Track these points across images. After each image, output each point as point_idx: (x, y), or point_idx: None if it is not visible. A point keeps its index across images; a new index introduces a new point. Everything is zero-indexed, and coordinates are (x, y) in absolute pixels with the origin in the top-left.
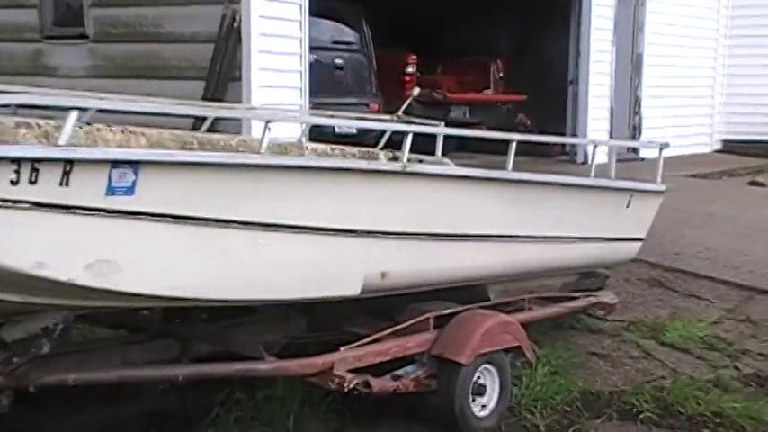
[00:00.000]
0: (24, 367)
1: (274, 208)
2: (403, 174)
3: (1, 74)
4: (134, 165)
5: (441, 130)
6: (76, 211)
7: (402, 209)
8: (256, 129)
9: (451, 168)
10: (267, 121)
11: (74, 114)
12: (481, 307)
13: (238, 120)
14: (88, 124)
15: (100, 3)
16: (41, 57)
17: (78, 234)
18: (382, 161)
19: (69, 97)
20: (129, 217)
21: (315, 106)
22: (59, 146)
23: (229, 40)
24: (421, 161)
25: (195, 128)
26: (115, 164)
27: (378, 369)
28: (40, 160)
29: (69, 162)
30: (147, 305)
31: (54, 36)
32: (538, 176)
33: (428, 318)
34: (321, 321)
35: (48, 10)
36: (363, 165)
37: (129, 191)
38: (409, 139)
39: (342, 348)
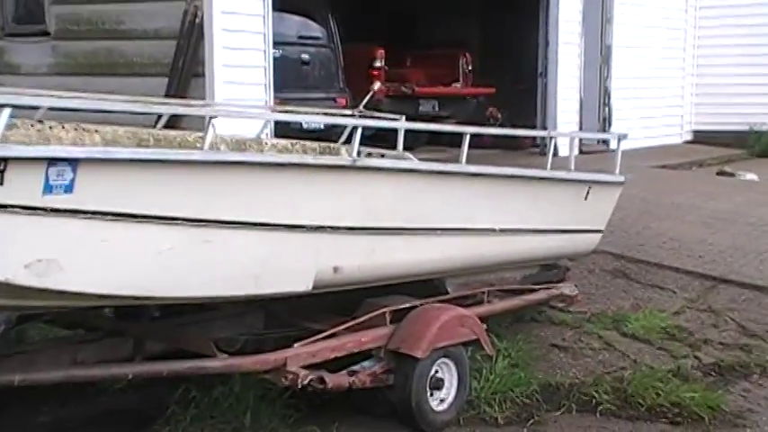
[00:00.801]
0: None
1: (220, 204)
2: (353, 168)
3: None
4: (72, 162)
5: (400, 124)
6: (13, 209)
7: (353, 203)
8: (219, 126)
9: (403, 162)
10: (210, 117)
11: (6, 111)
12: (440, 301)
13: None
14: (40, 122)
15: (61, 0)
16: (3, 55)
17: (16, 233)
18: (337, 156)
19: (1, 94)
20: (69, 215)
21: (281, 101)
22: None
23: (192, 37)
24: (383, 155)
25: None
26: (52, 161)
27: (335, 364)
28: None
29: (3, 160)
30: (92, 304)
31: (16, 34)
32: (492, 169)
33: (384, 312)
34: (278, 317)
35: (9, 7)
36: (311, 159)
37: (68, 189)
38: (359, 133)
39: (295, 344)
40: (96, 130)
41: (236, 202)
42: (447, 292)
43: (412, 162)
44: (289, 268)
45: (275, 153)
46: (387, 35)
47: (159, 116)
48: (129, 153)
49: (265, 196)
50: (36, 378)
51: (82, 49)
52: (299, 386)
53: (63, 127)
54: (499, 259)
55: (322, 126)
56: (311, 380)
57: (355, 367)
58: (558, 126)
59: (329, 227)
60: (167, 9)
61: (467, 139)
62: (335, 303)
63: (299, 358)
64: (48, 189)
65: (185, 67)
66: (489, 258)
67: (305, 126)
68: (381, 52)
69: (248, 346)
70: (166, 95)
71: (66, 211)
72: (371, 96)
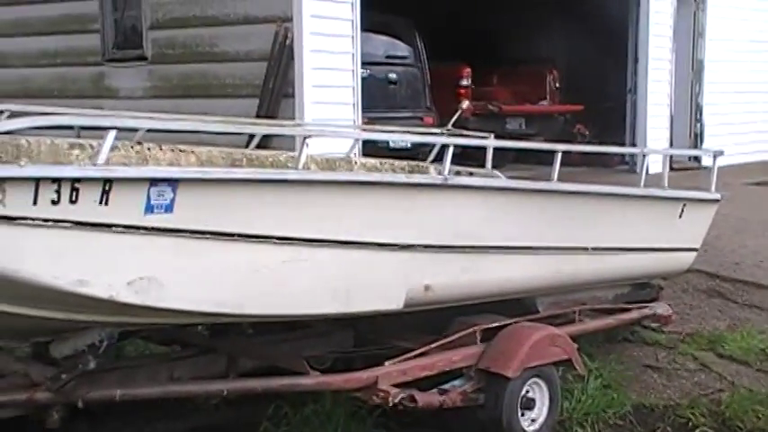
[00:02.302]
0: (72, 383)
1: (313, 223)
2: (445, 186)
3: (65, 96)
4: (172, 183)
5: (489, 142)
6: (116, 229)
7: (445, 222)
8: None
9: (494, 180)
10: (304, 137)
11: (112, 134)
12: (530, 320)
13: (292, 136)
14: (139, 144)
15: (158, 25)
16: (103, 79)
17: (118, 252)
18: (428, 174)
19: (106, 117)
20: (169, 234)
21: (369, 121)
22: (98, 165)
23: (282, 58)
24: (471, 174)
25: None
26: (153, 182)
27: (425, 383)
28: (79, 180)
29: (108, 181)
30: (189, 321)
31: (115, 59)
32: (584, 187)
33: (475, 331)
34: (368, 336)
35: (109, 34)
36: (403, 178)
37: (168, 208)
38: (450, 151)
39: (386, 362)
40: (192, 151)
41: (328, 221)
42: (537, 311)
43: (503, 180)
44: (380, 287)
45: (367, 172)
46: (472, 53)
47: (251, 136)
48: (225, 173)
49: (357, 215)
50: (136, 393)
51: (177, 72)
52: (390, 404)
53: (161, 148)
54: (591, 278)
55: (409, 145)
56: (402, 398)
57: (445, 386)
58: (648, 143)
59: (420, 245)
60: (259, 31)
61: (558, 157)
62: (423, 322)
63: (390, 376)
64: (149, 209)
65: (276, 88)
66: (581, 277)
67: (392, 145)
68: (468, 71)
69: (337, 364)
70: (257, 116)
71: (165, 230)
72: (460, 115)
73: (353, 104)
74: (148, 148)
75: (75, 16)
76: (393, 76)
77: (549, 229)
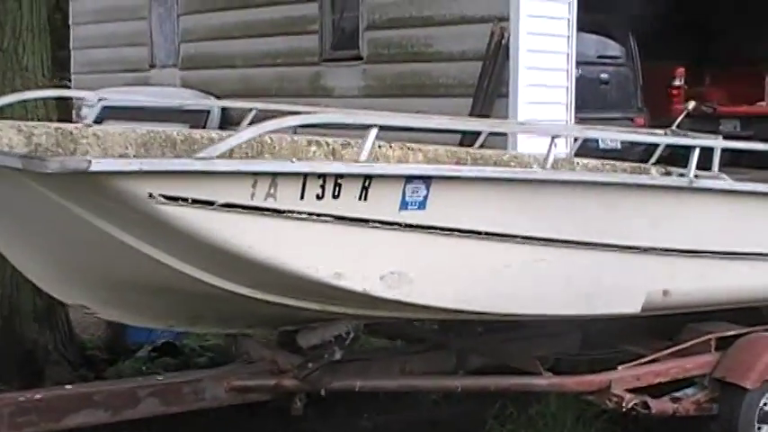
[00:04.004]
0: (317, 372)
1: (557, 223)
2: (689, 189)
3: (284, 95)
4: (426, 180)
5: (718, 143)
6: (373, 224)
7: (686, 225)
8: (522, 144)
9: (740, 184)
10: (552, 137)
11: (374, 131)
12: (766, 330)
13: (504, 135)
14: None
15: (374, 25)
16: (319, 78)
17: (373, 246)
18: (664, 176)
19: (368, 115)
20: (420, 230)
21: (579, 121)
22: (360, 162)
23: (497, 57)
24: (697, 176)
25: (462, 144)
26: (409, 179)
27: (654, 390)
28: (343, 176)
29: (368, 177)
30: (433, 317)
31: (331, 59)
32: None
33: (710, 339)
34: (595, 339)
35: (327, 35)
36: (648, 180)
37: (421, 205)
38: (696, 153)
39: (620, 367)
40: (420, 149)
41: (572, 222)
42: None
43: (750, 185)
44: (620, 290)
45: (614, 173)
46: (685, 53)
47: (464, 135)
48: (477, 172)
49: (601, 216)
50: (375, 385)
51: (391, 71)
52: (624, 409)
53: (390, 146)
54: None
55: (619, 145)
56: (635, 404)
57: (678, 394)
58: None
59: (662, 249)
60: (474, 31)
61: None
62: (652, 327)
63: (623, 381)
64: (404, 205)
65: (490, 88)
66: None
67: (601, 145)
68: (681, 71)
69: (561, 366)
70: (471, 115)
71: (418, 226)
72: (686, 115)
73: (566, 105)
74: (379, 146)
75: (296, 18)
76: (604, 75)
77: None
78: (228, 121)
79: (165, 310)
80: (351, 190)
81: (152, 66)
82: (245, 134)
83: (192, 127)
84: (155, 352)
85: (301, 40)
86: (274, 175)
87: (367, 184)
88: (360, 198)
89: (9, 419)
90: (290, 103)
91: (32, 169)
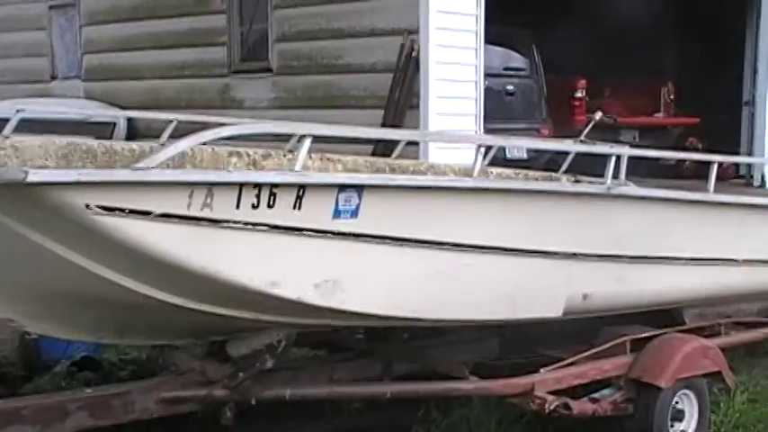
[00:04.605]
0: (248, 382)
1: (481, 230)
2: (606, 196)
3: (193, 107)
4: (359, 188)
5: (624, 151)
6: (307, 233)
7: (604, 231)
8: (432, 155)
9: (656, 191)
10: (479, 146)
11: (308, 141)
12: (678, 331)
13: (416, 145)
14: (291, 152)
15: (284, 38)
16: (229, 90)
17: (307, 255)
18: (584, 184)
19: (302, 125)
20: (353, 239)
21: (486, 132)
22: (296, 171)
23: (408, 69)
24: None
25: (374, 153)
26: (342, 188)
27: (572, 392)
28: (278, 185)
29: (303, 187)
30: (366, 324)
31: (241, 71)
32: (742, 199)
33: (625, 341)
34: (513, 343)
35: (235, 47)
36: (570, 188)
37: (354, 214)
38: (612, 161)
39: (542, 370)
40: (339, 159)
41: (497, 228)
42: (684, 323)
43: (666, 191)
44: (542, 294)
45: (539, 181)
46: (585, 66)
47: (376, 145)
48: (409, 180)
49: (523, 222)
50: (304, 393)
51: (301, 83)
52: (546, 411)
53: (310, 156)
54: (741, 291)
55: (525, 155)
56: (557, 405)
57: (596, 395)
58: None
59: (581, 254)
60: (384, 43)
61: (714, 168)
62: (568, 331)
63: (545, 384)
64: (337, 214)
65: (401, 99)
66: (731, 289)
67: (508, 155)
68: (583, 82)
69: (482, 371)
70: (383, 126)
71: (350, 234)
72: (593, 125)
73: (476, 116)
74: None
75: (204, 30)
76: (510, 87)
77: (703, 240)
78: (135, 133)
79: (95, 323)
80: (285, 199)
81: (53, 77)
82: (181, 144)
83: (97, 138)
84: (74, 366)
85: (210, 52)
86: (211, 185)
87: (301, 193)
88: (294, 207)
89: None
90: (200, 115)
91: None
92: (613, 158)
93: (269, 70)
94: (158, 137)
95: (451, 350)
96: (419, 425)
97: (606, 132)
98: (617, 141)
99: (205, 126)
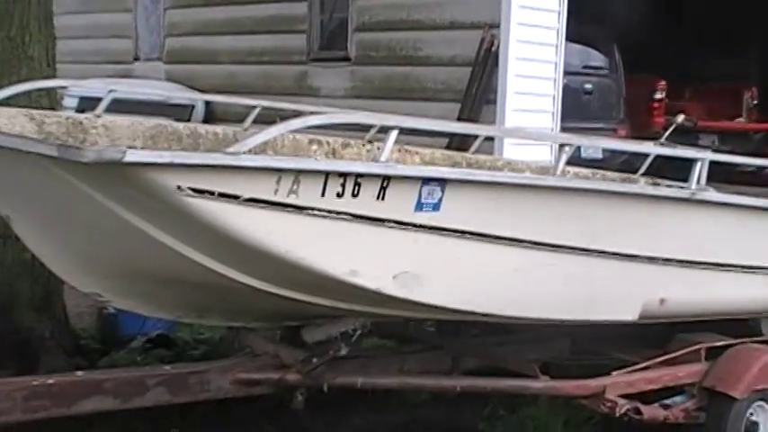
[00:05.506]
0: (321, 368)
1: (561, 229)
2: (690, 201)
3: (269, 93)
4: (442, 182)
5: (706, 155)
6: (389, 224)
7: (685, 236)
8: (507, 151)
9: (740, 198)
10: (561, 144)
11: (394, 133)
12: (755, 341)
13: (490, 140)
14: (370, 143)
15: (364, 27)
16: (306, 78)
17: (388, 246)
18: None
19: (390, 117)
20: (433, 232)
21: (562, 130)
22: (381, 162)
23: (486, 64)
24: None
25: (449, 147)
26: (426, 181)
27: (640, 397)
28: (363, 175)
29: (387, 178)
30: (440, 317)
31: (319, 59)
32: None
33: (701, 348)
34: (583, 345)
35: (315, 35)
36: (654, 191)
37: (436, 207)
38: (699, 165)
39: (614, 373)
40: (416, 152)
41: (577, 228)
42: (761, 333)
43: (752, 199)
44: (619, 297)
45: (622, 183)
46: (665, 67)
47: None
48: (490, 176)
49: (604, 224)
50: (375, 382)
51: (379, 73)
52: (617, 414)
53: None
54: None
55: (600, 155)
56: (628, 410)
57: (668, 401)
58: None
59: (660, 258)
60: (464, 37)
61: None
62: (641, 335)
63: (617, 387)
64: (419, 206)
65: (478, 94)
66: None
67: (583, 155)
68: (663, 84)
69: (551, 371)
70: (458, 120)
71: (431, 228)
72: (675, 128)
73: (553, 113)
74: (378, 148)
75: (284, 17)
76: (588, 86)
77: None
78: (211, 116)
79: (176, 301)
80: (370, 189)
81: (136, 58)
82: (272, 131)
83: (176, 120)
84: (149, 343)
85: (289, 39)
86: (298, 172)
87: (385, 184)
88: (378, 198)
89: (23, 403)
90: (280, 102)
91: (68, 158)
92: (699, 163)
93: (347, 59)
94: (235, 121)
95: (521, 348)
96: (485, 422)
97: (684, 136)
98: (695, 145)
99: (283, 113)
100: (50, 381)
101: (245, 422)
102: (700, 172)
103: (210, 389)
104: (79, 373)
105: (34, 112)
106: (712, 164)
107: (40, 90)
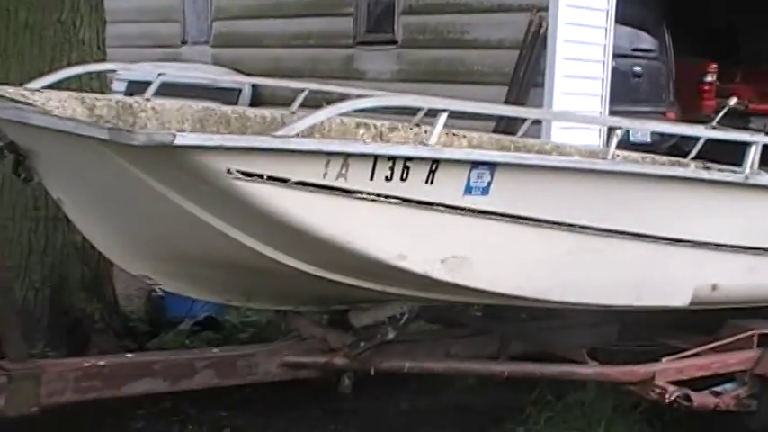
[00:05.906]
0: (368, 352)
1: (613, 213)
2: (743, 185)
3: (316, 77)
4: (491, 166)
5: (759, 138)
6: (437, 207)
7: (737, 221)
8: (555, 134)
9: None
10: (610, 128)
11: (444, 116)
12: None
13: (537, 124)
14: (417, 126)
15: (411, 10)
16: (353, 61)
17: (437, 230)
18: (722, 172)
19: (439, 100)
20: (482, 216)
21: (611, 114)
22: (429, 145)
23: (534, 47)
24: (734, 172)
25: (496, 131)
26: (475, 165)
27: (690, 384)
28: (411, 159)
29: (436, 162)
30: (488, 301)
31: (366, 42)
32: None
33: (752, 335)
34: (631, 331)
35: (361, 18)
36: (707, 175)
37: (485, 191)
38: (753, 150)
39: (663, 359)
40: (464, 135)
41: (627, 213)
42: None
43: None
44: (670, 282)
45: (675, 167)
46: (716, 49)
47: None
48: (539, 159)
49: (655, 209)
50: (423, 367)
51: (426, 57)
52: (666, 401)
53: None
54: None
55: (649, 139)
56: (677, 396)
57: (718, 388)
58: None
59: (712, 243)
60: (512, 20)
61: None
62: (691, 321)
63: (666, 373)
64: (468, 190)
65: (526, 77)
66: None
67: (632, 138)
68: (714, 66)
69: (599, 356)
70: (506, 103)
71: (480, 212)
72: (727, 111)
73: (602, 96)
74: (425, 131)
75: (330, 1)
76: (638, 69)
77: None
78: (259, 100)
79: (225, 284)
80: (419, 173)
81: (183, 42)
82: (321, 114)
83: (224, 103)
84: (197, 326)
85: (335, 23)
86: (347, 155)
87: (434, 168)
88: (426, 181)
89: (74, 384)
90: (327, 85)
91: (120, 141)
92: (753, 147)
93: (394, 42)
94: (282, 105)
95: (569, 333)
96: (532, 406)
97: (735, 119)
98: (746, 128)
99: (330, 96)
100: (102, 362)
101: (290, 406)
102: (753, 156)
103: (258, 372)
104: (129, 354)
105: (85, 95)
106: (764, 147)
107: (90, 74)
